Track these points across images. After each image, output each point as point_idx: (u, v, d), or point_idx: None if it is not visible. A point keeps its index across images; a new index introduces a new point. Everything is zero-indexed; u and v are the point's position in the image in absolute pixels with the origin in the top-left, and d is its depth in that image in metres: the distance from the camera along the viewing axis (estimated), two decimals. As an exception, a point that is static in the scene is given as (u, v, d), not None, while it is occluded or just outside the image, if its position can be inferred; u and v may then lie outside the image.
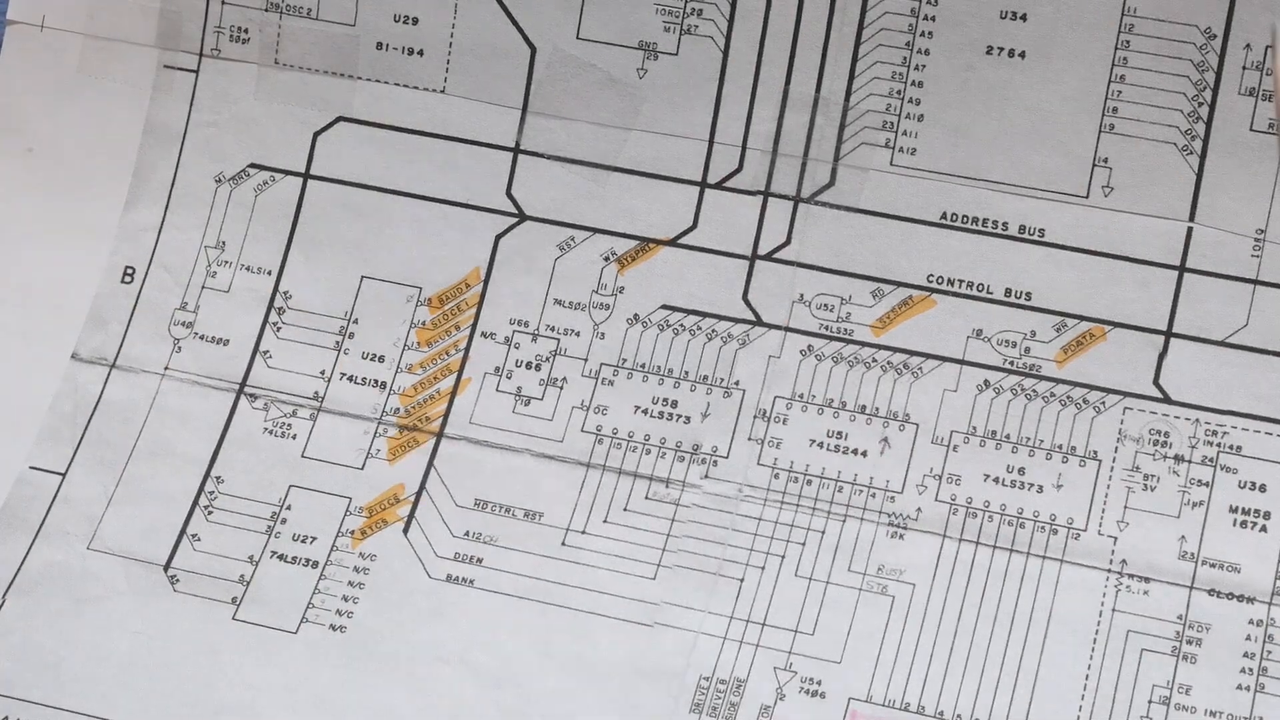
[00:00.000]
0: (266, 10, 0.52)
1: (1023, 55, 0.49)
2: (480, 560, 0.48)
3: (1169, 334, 0.48)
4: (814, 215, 0.50)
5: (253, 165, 0.52)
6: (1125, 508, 0.47)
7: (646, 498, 0.49)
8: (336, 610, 0.48)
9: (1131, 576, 0.47)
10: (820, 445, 0.49)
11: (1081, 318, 0.49)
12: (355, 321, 0.51)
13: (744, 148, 0.50)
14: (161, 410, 0.51)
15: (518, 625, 0.47)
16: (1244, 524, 0.47)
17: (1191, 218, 0.48)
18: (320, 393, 0.51)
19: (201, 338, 0.51)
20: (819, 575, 0.48)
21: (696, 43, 0.50)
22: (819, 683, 0.46)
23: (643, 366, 0.50)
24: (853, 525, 0.48)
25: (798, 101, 0.50)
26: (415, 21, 0.51)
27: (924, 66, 0.49)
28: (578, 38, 0.51)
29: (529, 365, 0.50)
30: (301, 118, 0.52)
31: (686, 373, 0.50)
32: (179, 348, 0.51)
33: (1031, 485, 0.48)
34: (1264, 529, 0.47)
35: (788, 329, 0.50)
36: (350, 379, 0.51)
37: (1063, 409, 0.48)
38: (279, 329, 0.51)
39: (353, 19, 0.52)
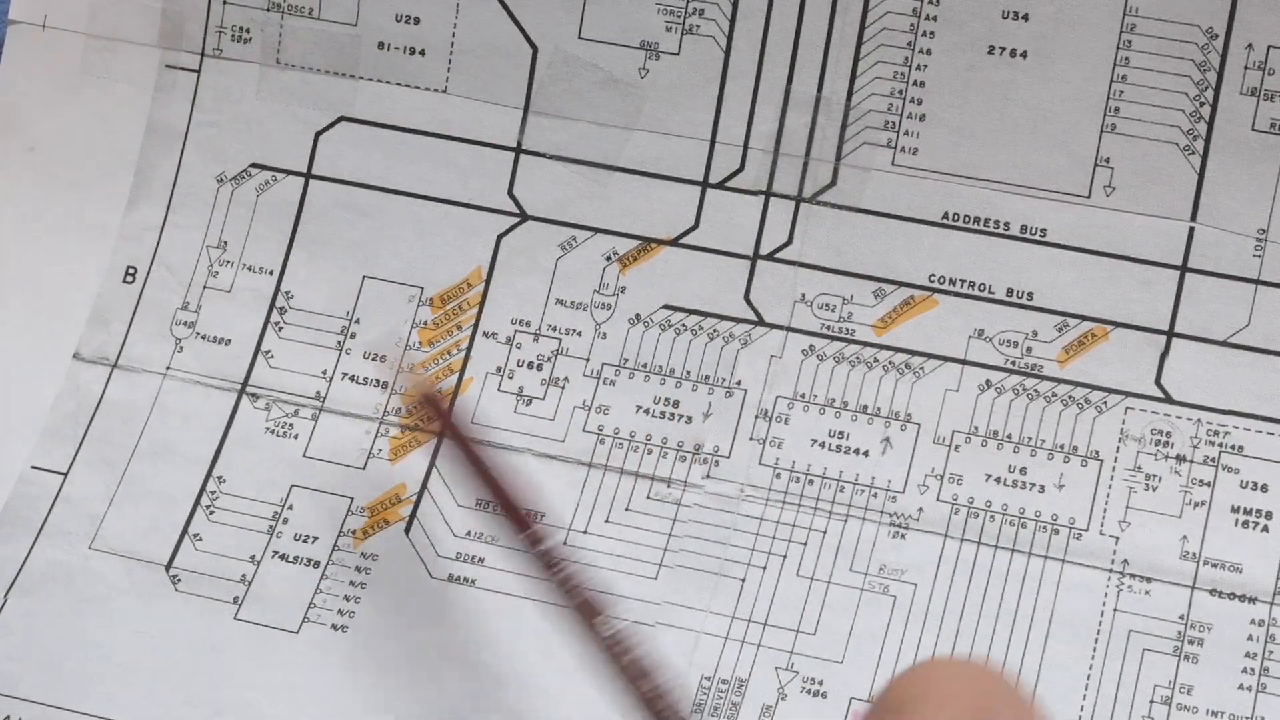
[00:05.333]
0: (268, 10, 0.52)
1: (1024, 55, 0.49)
2: (482, 560, 0.48)
3: (1171, 334, 0.48)
4: (816, 215, 0.50)
5: (254, 165, 0.52)
6: (1127, 508, 0.47)
7: (648, 498, 0.49)
8: (338, 610, 0.48)
9: (1133, 576, 0.47)
10: (822, 445, 0.49)
11: (1083, 318, 0.49)
12: (357, 321, 0.51)
13: (746, 147, 0.50)
14: (163, 410, 0.51)
15: (519, 625, 0.47)
16: (1246, 524, 0.47)
17: (1193, 218, 0.48)
18: (322, 392, 0.51)
19: (203, 337, 0.51)
20: (820, 575, 0.48)
21: (698, 42, 0.50)
22: (820, 682, 0.46)
23: (644, 366, 0.50)
24: (854, 525, 0.48)
25: (799, 101, 0.50)
26: (417, 21, 0.51)
27: (926, 66, 0.49)
28: (579, 37, 0.51)
29: (531, 365, 0.50)
30: (303, 117, 0.52)
31: (688, 372, 0.50)
32: (181, 347, 0.51)
33: (1033, 485, 0.48)
34: (1265, 529, 0.47)
35: (789, 329, 0.50)
36: (352, 379, 0.51)
37: (1064, 409, 0.48)
38: (281, 329, 0.51)
39: (354, 19, 0.52)
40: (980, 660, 0.31)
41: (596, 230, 0.51)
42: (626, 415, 0.50)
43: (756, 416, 0.49)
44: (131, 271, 0.52)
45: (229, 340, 0.51)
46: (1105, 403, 0.48)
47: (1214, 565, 0.47)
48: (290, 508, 0.49)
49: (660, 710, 0.40)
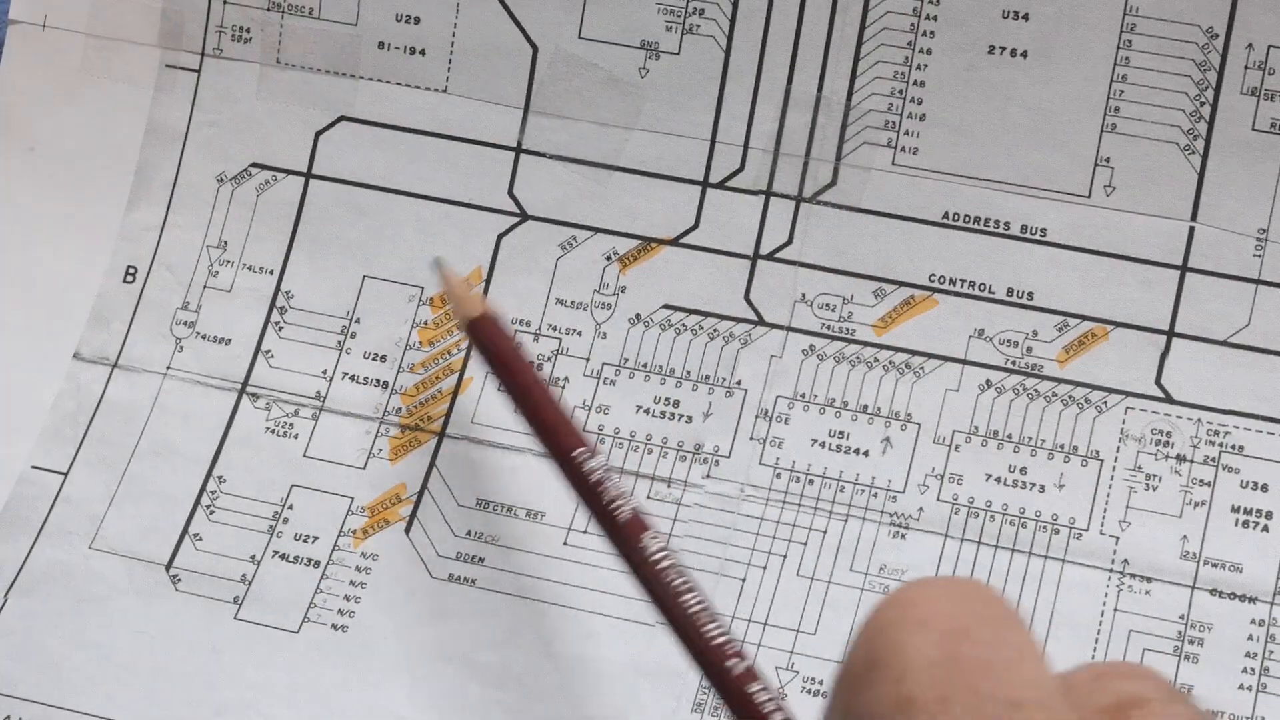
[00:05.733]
0: (268, 10, 0.52)
1: (1024, 55, 0.49)
2: (482, 560, 0.48)
3: (1171, 334, 0.48)
4: (816, 215, 0.50)
5: (255, 165, 0.52)
6: (1127, 507, 0.47)
7: (648, 497, 0.49)
8: (338, 610, 0.48)
9: (1133, 576, 0.47)
10: (822, 445, 0.49)
11: (1083, 317, 0.49)
12: (357, 321, 0.51)
13: (746, 147, 0.50)
14: (163, 410, 0.51)
15: (519, 625, 0.47)
16: (1246, 524, 0.47)
17: (1193, 217, 0.48)
18: (322, 392, 0.51)
19: (203, 337, 0.51)
20: (821, 575, 0.48)
21: (698, 42, 0.50)
22: (820, 682, 0.46)
23: (644, 366, 0.50)
24: (854, 525, 0.48)
25: (800, 101, 0.50)
26: (417, 21, 0.52)
27: (926, 66, 0.49)
28: (579, 37, 0.51)
29: (531, 364, 0.50)
30: (303, 117, 0.52)
31: (688, 372, 0.50)
32: (181, 347, 0.51)
33: (1033, 485, 0.48)
34: (1266, 529, 0.47)
35: (789, 329, 0.50)
36: (352, 378, 0.51)
37: (1064, 409, 0.48)
38: (281, 329, 0.51)
39: (354, 18, 0.52)
40: (964, 577, 0.30)
41: (596, 230, 0.51)
42: (627, 415, 0.50)
43: (757, 416, 0.49)
44: (132, 271, 0.52)
45: (229, 340, 0.51)
46: (1105, 402, 0.48)
47: (1214, 565, 0.47)
48: (290, 507, 0.49)
49: (702, 625, 0.41)
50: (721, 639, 0.40)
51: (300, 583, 0.48)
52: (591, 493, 0.44)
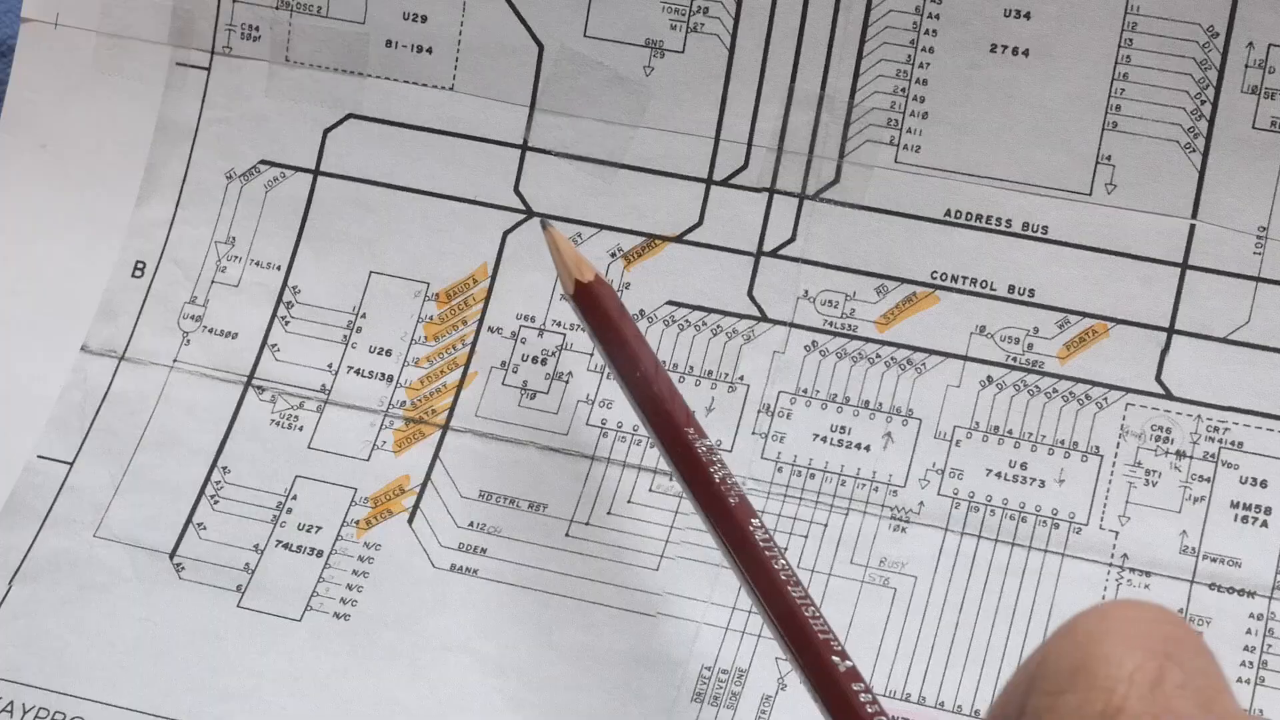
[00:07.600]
0: (277, 8, 0.53)
1: (1026, 53, 0.49)
2: (484, 550, 0.49)
3: (1171, 331, 0.48)
4: (819, 212, 0.50)
5: (263, 162, 0.53)
6: (1127, 503, 0.48)
7: (650, 490, 0.49)
8: (341, 599, 0.48)
9: (1133, 570, 0.47)
10: (824, 440, 0.49)
11: (1084, 314, 0.49)
12: (363, 316, 0.51)
13: (749, 145, 0.51)
14: (169, 401, 0.51)
15: (521, 615, 0.48)
16: (1245, 519, 0.47)
17: (1194, 215, 0.48)
18: (328, 386, 0.51)
19: (210, 331, 0.52)
20: (821, 567, 0.48)
21: (702, 41, 0.51)
22: (820, 673, 0.47)
23: (648, 361, 0.50)
24: (855, 518, 0.48)
25: (803, 99, 0.50)
26: (424, 19, 0.52)
27: (928, 64, 0.50)
28: (585, 35, 0.51)
29: (535, 360, 0.50)
30: (312, 115, 0.53)
31: (691, 367, 0.50)
32: (188, 341, 0.52)
33: (1034, 480, 0.48)
34: (1265, 524, 0.47)
35: (792, 325, 0.50)
36: (358, 372, 0.51)
37: (1065, 405, 0.48)
38: (287, 323, 0.52)
39: (362, 17, 0.52)
40: (1159, 604, 0.32)
41: (601, 227, 0.51)
42: (629, 409, 0.50)
43: (759, 411, 0.49)
44: (140, 266, 0.52)
45: (236, 334, 0.52)
46: (1106, 399, 0.48)
47: (1213, 560, 0.47)
48: (294, 498, 0.50)
49: (810, 614, 0.40)
50: (826, 635, 0.40)
51: (303, 572, 0.49)
52: (699, 471, 0.43)
